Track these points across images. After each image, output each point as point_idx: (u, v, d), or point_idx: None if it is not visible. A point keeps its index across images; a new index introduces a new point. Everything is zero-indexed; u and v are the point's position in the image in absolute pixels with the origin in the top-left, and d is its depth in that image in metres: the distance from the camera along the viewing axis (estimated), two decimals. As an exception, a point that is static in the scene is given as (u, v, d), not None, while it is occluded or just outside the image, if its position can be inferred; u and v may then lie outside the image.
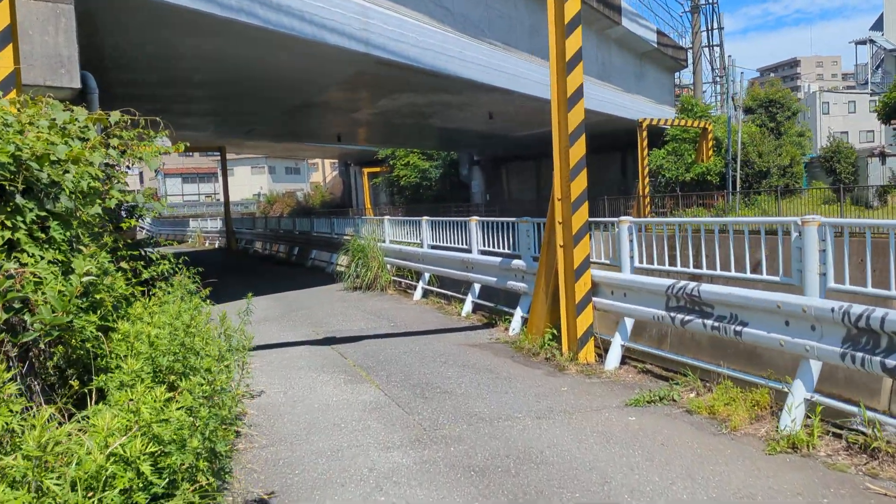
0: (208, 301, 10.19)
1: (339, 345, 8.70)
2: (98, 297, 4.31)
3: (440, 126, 25.47)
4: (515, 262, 8.95)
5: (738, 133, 28.47)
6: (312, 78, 15.79)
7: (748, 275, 5.59)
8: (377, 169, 48.27)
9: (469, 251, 10.68)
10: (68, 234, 4.50)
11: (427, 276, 12.37)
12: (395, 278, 13.88)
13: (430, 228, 12.60)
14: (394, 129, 25.92)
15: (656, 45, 29.23)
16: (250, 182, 73.68)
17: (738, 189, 28.41)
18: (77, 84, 6.91)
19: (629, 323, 6.86)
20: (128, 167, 8.20)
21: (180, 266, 9.74)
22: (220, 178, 33.89)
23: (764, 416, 5.11)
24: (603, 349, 7.16)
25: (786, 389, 4.99)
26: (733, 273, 5.75)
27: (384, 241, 14.25)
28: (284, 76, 15.42)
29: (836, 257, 4.91)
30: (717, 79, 47.20)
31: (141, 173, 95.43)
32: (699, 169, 29.23)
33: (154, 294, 8.77)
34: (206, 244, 35.69)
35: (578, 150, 7.07)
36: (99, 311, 4.29)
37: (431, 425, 5.45)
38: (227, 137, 25.33)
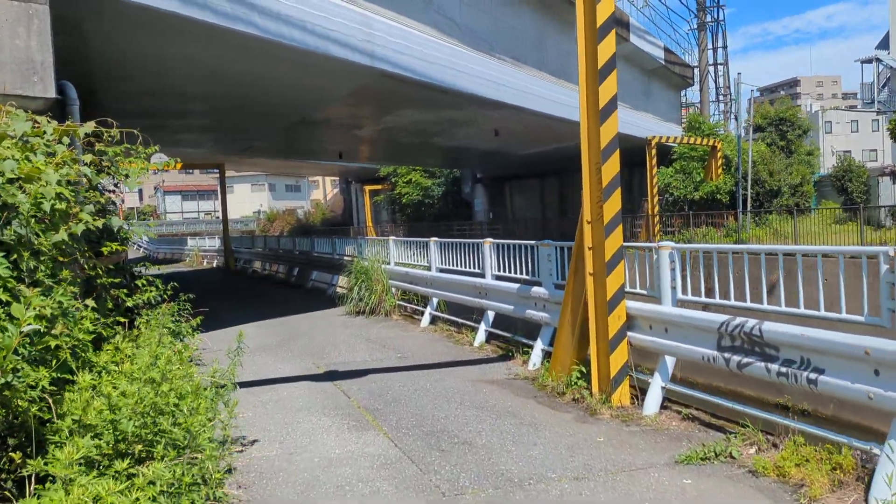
0: (196, 333, 9.42)
1: (342, 380, 7.90)
2: (53, 343, 3.55)
3: (444, 144, 24.82)
4: (536, 289, 8.18)
5: (748, 151, 27.85)
6: (313, 93, 15.13)
7: (822, 313, 4.81)
8: (379, 186, 47.65)
9: (482, 276, 9.90)
10: (23, 266, 3.75)
11: (435, 301, 11.59)
12: (401, 303, 13.10)
13: (438, 251, 11.84)
14: (397, 146, 25.28)
15: (663, 62, 28.69)
16: (250, 199, 73.10)
17: (748, 208, 27.73)
18: (52, 93, 6.19)
19: (670, 362, 6.07)
20: (115, 185, 7.44)
21: (169, 292, 8.99)
22: (219, 196, 33.22)
23: (848, 483, 4.31)
24: (639, 390, 6.38)
25: (875, 451, 4.20)
26: (802, 310, 4.98)
27: (389, 264, 13.49)
28: (284, 91, 14.76)
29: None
30: (721, 97, 46.81)
31: (141, 191, 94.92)
32: (708, 187, 28.55)
33: (138, 325, 8.01)
34: (205, 263, 34.81)
35: (612, 167, 6.33)
36: (53, 363, 3.53)
37: (451, 488, 4.65)
38: (226, 154, 24.62)
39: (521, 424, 5.98)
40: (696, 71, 37.00)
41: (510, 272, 9.41)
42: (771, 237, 25.62)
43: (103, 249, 7.09)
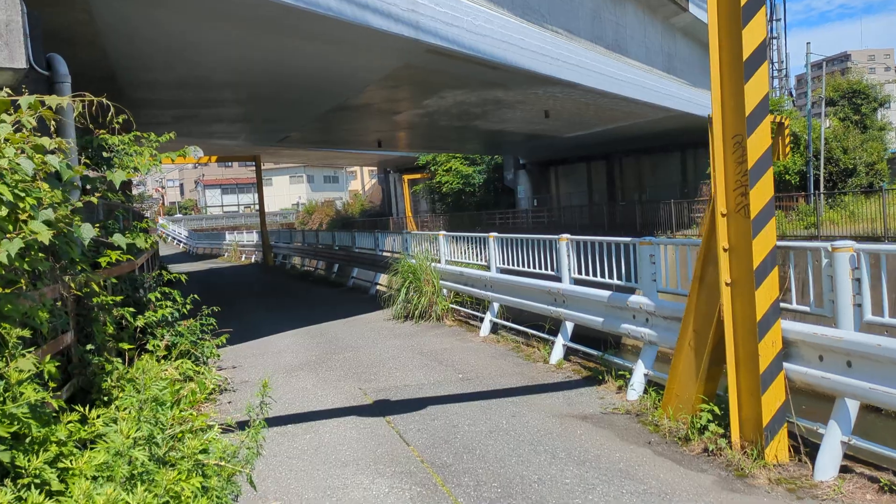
0: (214, 355, 8.03)
1: (396, 415, 6.42)
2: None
3: (488, 128, 23.19)
4: (634, 298, 6.55)
5: (820, 127, 25.54)
6: (350, 75, 13.69)
7: None
8: (418, 175, 46.26)
9: (558, 279, 8.29)
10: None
11: (496, 306, 10.04)
12: (454, 306, 11.59)
13: (499, 248, 10.26)
14: (438, 132, 23.73)
15: (725, 34, 26.42)
16: (289, 191, 72.56)
17: (821, 189, 25.43)
18: (22, 63, 4.79)
19: (853, 407, 4.41)
20: (101, 180, 6.11)
21: (189, 306, 7.62)
22: (257, 189, 32.21)
23: None
24: (800, 441, 4.74)
25: None
26: None
27: (439, 262, 11.98)
28: (318, 74, 13.35)
29: None
30: (777, 72, 43.89)
31: (182, 185, 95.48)
32: (776, 168, 26.30)
33: (152, 348, 6.64)
34: (243, 258, 33.87)
35: (761, 140, 4.66)
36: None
37: None
38: (262, 145, 23.40)
39: (644, 493, 4.40)
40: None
41: (593, 275, 7.78)
42: (847, 221, 23.29)
43: (101, 260, 5.72)
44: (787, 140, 26.71)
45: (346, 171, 78.22)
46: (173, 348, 6.78)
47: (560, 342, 8.04)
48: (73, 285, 4.69)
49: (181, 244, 51.53)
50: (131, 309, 6.30)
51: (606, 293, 7.05)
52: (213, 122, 17.15)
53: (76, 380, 4.69)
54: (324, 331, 11.59)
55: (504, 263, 10.10)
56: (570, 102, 18.80)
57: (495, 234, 10.52)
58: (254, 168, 77.85)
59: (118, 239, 4.27)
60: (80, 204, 4.15)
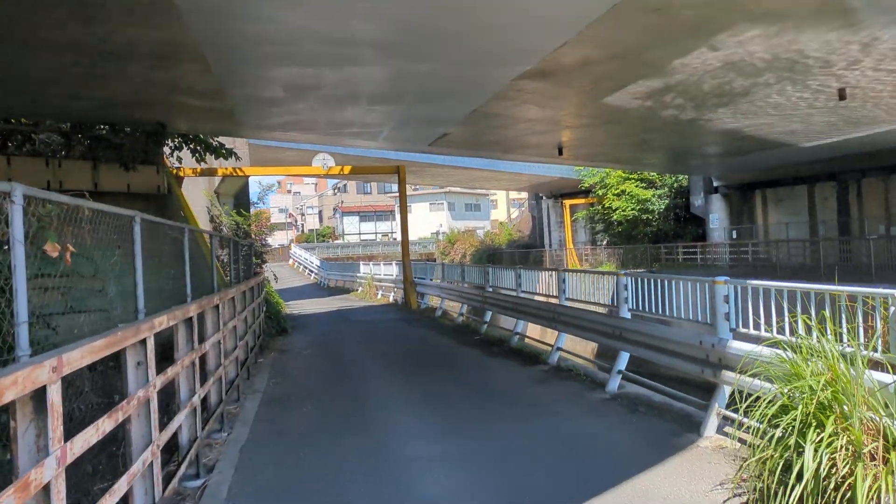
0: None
1: None
2: None
3: (721, 126, 16.13)
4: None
5: None
6: (531, 30, 7.61)
7: None
8: (581, 200, 39.52)
9: None
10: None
11: None
12: None
13: None
14: (636, 131, 16.93)
15: None
16: (428, 219, 68.17)
17: None
18: None
19: None
20: None
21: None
22: (399, 204, 26.76)
23: None
24: None
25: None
26: None
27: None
28: (501, 20, 7.33)
29: None
30: None
31: (320, 212, 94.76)
32: None
33: None
34: (378, 295, 28.23)
35: None
36: None
37: None
38: (408, 149, 17.54)
39: None
40: None
41: None
42: None
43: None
44: None
45: (489, 198, 72.99)
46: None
47: None
48: None
49: (312, 274, 47.81)
50: None
51: None
52: (346, 102, 11.58)
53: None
54: (515, 458, 5.43)
55: None
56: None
57: None
58: (392, 194, 74.46)
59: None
60: None
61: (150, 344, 3.87)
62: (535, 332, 13.15)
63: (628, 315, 8.87)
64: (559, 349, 10.38)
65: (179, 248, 6.08)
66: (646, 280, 8.87)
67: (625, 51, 9.62)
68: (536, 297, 12.35)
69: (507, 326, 13.87)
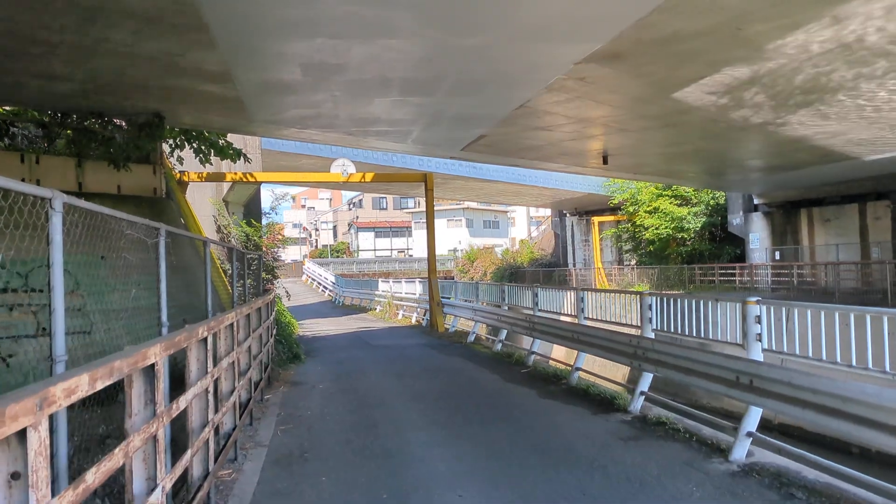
0: None
1: None
2: None
3: (789, 133, 14.22)
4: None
5: None
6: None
7: None
8: (610, 218, 37.60)
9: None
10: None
11: None
12: None
13: None
14: (708, 135, 15.05)
15: None
16: (446, 236, 66.39)
17: None
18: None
19: None
20: None
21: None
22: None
23: None
24: None
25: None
26: None
27: None
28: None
29: None
30: None
31: (335, 227, 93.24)
32: None
33: None
34: (399, 315, 26.26)
35: None
36: None
37: None
38: (436, 149, 15.58)
39: None
40: None
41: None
42: None
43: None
44: None
45: (508, 215, 71.22)
46: None
47: None
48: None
49: (326, 291, 45.93)
50: None
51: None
52: (373, 90, 9.82)
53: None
54: None
55: None
56: None
57: None
58: (409, 210, 72.66)
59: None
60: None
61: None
62: (594, 366, 11.22)
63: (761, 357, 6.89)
64: (643, 393, 8.41)
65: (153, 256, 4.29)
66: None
67: (722, 23, 7.78)
68: (608, 327, 10.20)
69: (556, 355, 11.92)
